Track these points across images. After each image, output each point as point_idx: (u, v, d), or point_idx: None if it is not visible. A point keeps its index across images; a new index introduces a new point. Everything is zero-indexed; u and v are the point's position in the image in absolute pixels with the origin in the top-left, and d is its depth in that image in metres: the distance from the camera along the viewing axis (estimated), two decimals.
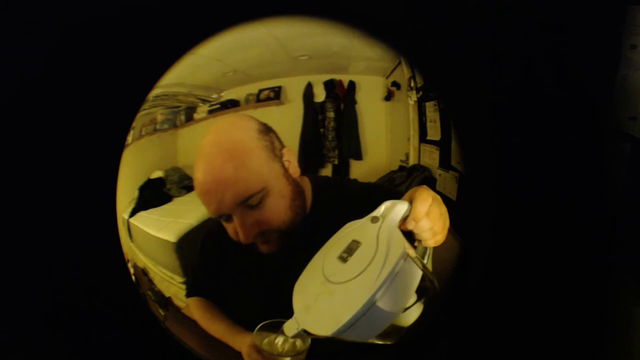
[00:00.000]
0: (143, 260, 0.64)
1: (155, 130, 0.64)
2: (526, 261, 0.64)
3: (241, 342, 0.59)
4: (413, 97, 0.65)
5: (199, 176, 0.57)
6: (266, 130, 0.60)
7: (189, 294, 0.66)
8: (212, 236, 0.65)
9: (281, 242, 0.59)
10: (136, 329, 0.64)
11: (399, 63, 0.65)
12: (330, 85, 0.64)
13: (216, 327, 0.64)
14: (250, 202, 0.56)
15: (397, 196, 0.51)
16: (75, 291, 0.62)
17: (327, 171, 0.65)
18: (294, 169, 0.60)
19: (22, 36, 0.58)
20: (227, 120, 0.61)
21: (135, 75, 0.59)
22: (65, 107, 0.59)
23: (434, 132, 0.65)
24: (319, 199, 0.62)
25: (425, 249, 0.50)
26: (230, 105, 0.63)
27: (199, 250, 0.65)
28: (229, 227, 0.59)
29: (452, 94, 0.63)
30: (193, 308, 0.66)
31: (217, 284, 0.64)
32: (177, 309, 0.65)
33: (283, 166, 0.59)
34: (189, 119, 0.64)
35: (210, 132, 0.60)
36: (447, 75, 0.62)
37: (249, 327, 0.58)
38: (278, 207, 0.58)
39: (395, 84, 0.66)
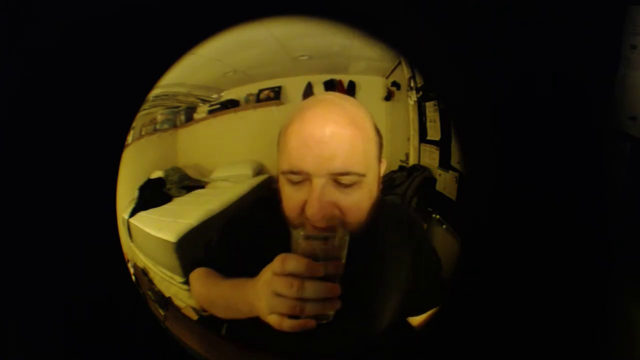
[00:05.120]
0: (143, 260, 0.64)
1: (155, 130, 0.64)
2: (526, 261, 0.64)
3: (252, 286, 0.53)
4: (413, 97, 0.65)
5: (310, 123, 0.52)
6: (379, 132, 0.57)
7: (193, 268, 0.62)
8: (238, 219, 0.61)
9: None
10: (136, 329, 0.64)
11: (399, 63, 0.65)
12: (330, 85, 0.64)
13: (222, 287, 0.59)
14: (343, 180, 0.51)
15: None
16: (75, 291, 0.62)
17: None
18: (380, 185, 0.57)
19: (22, 36, 0.58)
20: (349, 97, 0.58)
21: (135, 75, 0.59)
22: (65, 107, 0.59)
23: (434, 132, 0.65)
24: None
25: None
26: (230, 105, 0.63)
27: (221, 228, 0.62)
28: (291, 195, 0.53)
29: (452, 94, 0.63)
30: (194, 280, 0.62)
31: (228, 269, 0.60)
32: (177, 309, 0.65)
33: (379, 173, 0.57)
34: (189, 119, 0.64)
35: (330, 95, 0.57)
36: (447, 75, 0.62)
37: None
38: (361, 204, 0.54)
39: (395, 84, 0.66)
